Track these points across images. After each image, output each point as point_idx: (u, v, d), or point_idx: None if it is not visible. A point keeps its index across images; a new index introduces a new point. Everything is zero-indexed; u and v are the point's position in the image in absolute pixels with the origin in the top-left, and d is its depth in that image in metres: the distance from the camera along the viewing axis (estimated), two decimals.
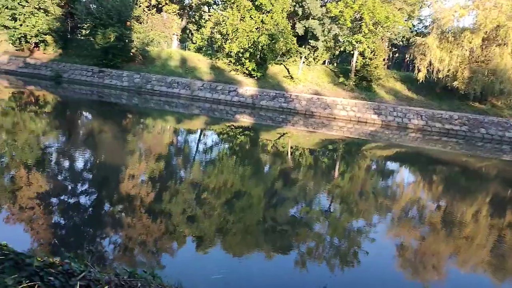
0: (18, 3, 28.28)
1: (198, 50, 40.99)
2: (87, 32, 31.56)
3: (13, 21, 28.53)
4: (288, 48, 29.16)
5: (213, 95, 26.76)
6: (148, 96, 26.18)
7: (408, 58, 31.46)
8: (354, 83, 28.83)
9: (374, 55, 28.36)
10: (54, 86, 25.97)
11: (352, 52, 30.16)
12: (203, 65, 30.44)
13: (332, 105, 25.96)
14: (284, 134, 19.58)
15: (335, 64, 38.99)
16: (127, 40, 28.35)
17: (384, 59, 29.53)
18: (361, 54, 28.82)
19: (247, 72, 28.55)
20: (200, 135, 17.09)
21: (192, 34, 45.17)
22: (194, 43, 45.57)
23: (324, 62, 36.93)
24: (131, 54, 29.22)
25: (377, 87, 29.16)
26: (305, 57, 29.84)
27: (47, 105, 19.57)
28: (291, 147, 16.23)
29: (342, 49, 32.45)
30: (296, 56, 30.46)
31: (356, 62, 29.15)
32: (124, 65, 28.90)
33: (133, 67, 28.99)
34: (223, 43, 29.34)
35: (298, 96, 26.68)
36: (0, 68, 28.94)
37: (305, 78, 29.40)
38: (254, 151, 14.66)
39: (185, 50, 40.48)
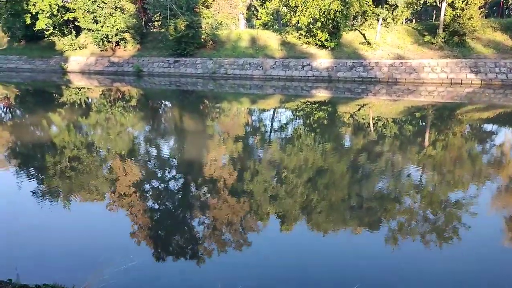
0: (98, 6, 31.32)
1: (264, 26, 40.88)
2: (159, 24, 33.74)
3: (95, 24, 31.75)
4: (363, 11, 27.44)
5: (286, 72, 26.66)
6: (222, 81, 27.20)
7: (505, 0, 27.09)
8: (443, 40, 26.02)
9: (466, 4, 25.10)
10: (136, 81, 28.50)
11: (438, 5, 27.15)
12: (273, 42, 30.36)
13: (418, 68, 23.93)
14: (364, 105, 18.73)
15: (417, 22, 35.54)
16: (197, 27, 29.56)
17: (479, 8, 25.94)
18: (450, 5, 25.73)
19: (319, 43, 27.70)
20: (276, 114, 17.28)
21: (257, 10, 45.13)
22: (259, 19, 45.54)
23: (404, 21, 33.93)
24: (202, 40, 30.44)
25: (472, 41, 25.90)
26: (382, 19, 27.78)
27: (132, 99, 21.61)
28: (373, 118, 15.48)
29: (425, 2, 29.40)
30: (373, 18, 28.51)
31: (444, 15, 26.17)
32: (197, 52, 30.31)
33: (205, 53, 30.24)
34: (292, 16, 28.79)
35: (378, 63, 25.14)
36: (90, 70, 32.69)
37: (384, 42, 27.46)
38: (333, 125, 14.35)
39: (253, 28, 40.75)
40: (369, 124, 14.52)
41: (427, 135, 12.92)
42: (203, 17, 30.79)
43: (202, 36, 30.40)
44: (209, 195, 7.69)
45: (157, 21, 36.71)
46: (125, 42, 33.13)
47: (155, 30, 37.89)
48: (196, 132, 13.71)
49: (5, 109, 18.65)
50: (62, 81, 29.20)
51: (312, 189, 7.89)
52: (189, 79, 28.19)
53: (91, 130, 14.12)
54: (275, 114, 17.33)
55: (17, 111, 18.51)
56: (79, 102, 20.23)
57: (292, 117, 16.66)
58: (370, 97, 20.88)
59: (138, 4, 33.71)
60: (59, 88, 26.55)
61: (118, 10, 32.02)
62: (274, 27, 37.08)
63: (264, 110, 18.58)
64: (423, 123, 15.06)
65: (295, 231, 6.20)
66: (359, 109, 17.63)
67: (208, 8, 32.83)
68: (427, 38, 26.79)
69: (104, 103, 19.90)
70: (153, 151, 11.21)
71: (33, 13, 32.49)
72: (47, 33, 34.09)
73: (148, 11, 34.19)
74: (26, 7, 32.64)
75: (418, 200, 7.39)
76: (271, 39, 30.82)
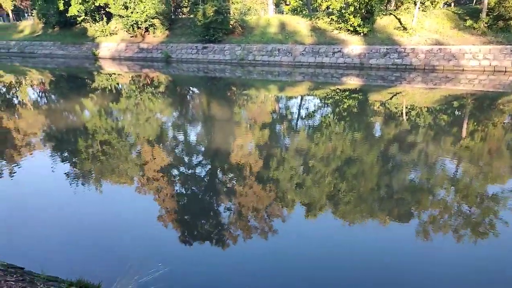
0: None
1: (293, 11, 40.19)
2: (188, 10, 33.91)
3: (125, 10, 32.35)
4: None
5: (316, 58, 26.22)
6: (250, 68, 27.13)
7: None
8: (486, 25, 24.62)
9: None
10: (165, 67, 28.96)
11: None
12: (302, 28, 29.85)
13: (458, 55, 22.85)
14: (398, 93, 18.16)
15: (456, 6, 33.79)
16: (225, 13, 29.49)
17: None
18: None
19: (351, 29, 26.95)
20: (304, 101, 17.10)
21: None
22: (288, 5, 44.79)
23: (443, 5, 32.33)
24: (231, 26, 30.37)
25: None
26: (420, 2, 26.58)
27: (161, 85, 22.00)
28: (407, 107, 15.00)
29: None
30: (409, 2, 27.35)
31: None
32: (225, 38, 30.31)
33: (233, 40, 30.20)
34: (322, 1, 28.10)
35: (414, 49, 24.20)
36: (120, 56, 33.49)
37: (421, 27, 26.32)
38: (364, 114, 14.04)
39: (282, 14, 40.17)
40: (402, 113, 14.09)
41: (464, 125, 12.39)
42: (232, 2, 30.66)
43: (231, 22, 30.30)
44: (239, 182, 7.77)
45: (186, 6, 36.96)
46: (154, 28, 33.60)
47: (183, 16, 38.15)
48: (223, 119, 13.82)
49: (41, 94, 19.51)
50: (93, 67, 30.13)
51: (340, 179, 7.80)
52: (217, 66, 28.33)
53: (121, 115, 14.55)
54: (304, 102, 17.14)
55: (52, 96, 19.31)
56: (110, 87, 20.84)
57: (321, 105, 16.43)
58: (404, 85, 20.21)
59: None
60: (91, 74, 27.43)
61: None
62: (304, 12, 36.34)
63: (292, 98, 18.42)
64: (461, 113, 14.43)
65: (321, 220, 6.17)
66: (391, 98, 17.12)
67: None
68: (469, 22, 25.40)
69: (134, 89, 20.38)
70: (181, 137, 11.42)
71: None
72: (79, 19, 35.16)
73: None
74: None
75: (452, 193, 7.15)
76: (300, 25, 30.30)
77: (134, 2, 32.08)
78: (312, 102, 17.12)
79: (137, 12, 32.05)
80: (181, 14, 39.35)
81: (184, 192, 7.44)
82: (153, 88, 20.49)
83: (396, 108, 15.05)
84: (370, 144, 10.25)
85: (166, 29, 33.90)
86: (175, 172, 8.43)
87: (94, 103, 16.64)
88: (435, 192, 7.17)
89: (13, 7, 52.22)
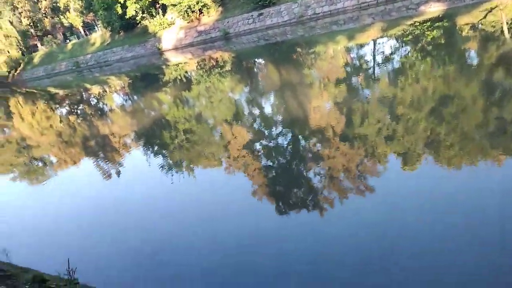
0: None
1: None
2: None
3: None
4: None
5: None
6: (312, 23, 26.02)
7: None
8: None
9: None
10: (225, 44, 29.31)
11: None
12: None
13: None
14: (493, 8, 15.78)
15: None
16: None
17: None
18: None
19: None
20: (379, 46, 15.87)
21: None
22: None
23: None
24: None
25: None
26: None
27: (226, 64, 22.37)
28: (508, 23, 12.97)
29: None
30: None
31: None
32: None
33: None
34: None
35: None
36: (182, 44, 34.76)
37: None
38: (453, 44, 12.56)
39: None
40: (502, 31, 12.25)
41: None
42: None
43: None
44: (324, 145, 7.64)
45: None
46: (207, 8, 34.00)
47: None
48: (294, 84, 13.58)
49: (124, 97, 21.42)
50: (160, 61, 31.84)
51: (437, 122, 7.15)
52: (276, 30, 27.73)
53: (196, 101, 15.22)
54: (378, 46, 15.92)
55: (134, 96, 21.04)
56: (179, 77, 21.87)
57: (399, 45, 15.09)
58: None
59: None
60: (160, 68, 29.06)
61: None
62: None
63: (364, 44, 17.25)
64: None
65: (421, 172, 5.76)
66: (486, 16, 14.96)
67: None
68: None
69: (201, 73, 21.08)
70: (256, 111, 11.55)
71: (122, 2, 35.64)
72: (138, 18, 37.19)
73: None
74: None
75: None
76: None
77: None
78: (388, 44, 15.81)
79: None
80: None
81: (274, 165, 7.56)
82: (219, 69, 20.95)
83: (493, 27, 13.14)
84: (464, 76, 9.16)
85: (219, 6, 34.04)
86: (260, 146, 8.60)
87: (170, 95, 17.67)
88: None
89: (82, 24, 57.34)
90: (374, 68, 12.62)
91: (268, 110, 11.43)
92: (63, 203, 8.27)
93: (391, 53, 13.94)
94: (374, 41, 16.97)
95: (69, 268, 4.39)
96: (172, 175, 8.22)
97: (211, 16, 34.32)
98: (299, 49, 20.57)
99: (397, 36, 16.21)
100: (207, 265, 4.80)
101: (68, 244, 6.28)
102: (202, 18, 34.87)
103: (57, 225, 7.23)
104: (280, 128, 9.47)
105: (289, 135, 8.88)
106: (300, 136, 8.57)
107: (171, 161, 9.18)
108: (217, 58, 25.37)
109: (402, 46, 14.63)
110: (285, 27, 27.62)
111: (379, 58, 13.70)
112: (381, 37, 17.24)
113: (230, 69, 20.70)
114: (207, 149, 9.22)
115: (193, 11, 34.01)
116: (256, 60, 21.95)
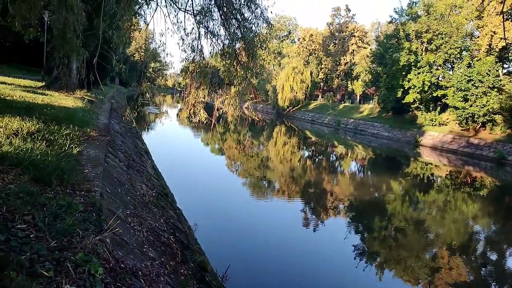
0: (472, 85, 30.97)
1: None
2: None
3: (464, 102, 31.42)
4: None
5: None
6: None
7: None
8: None
9: None
10: (494, 168, 25.40)
11: None
12: None
13: None
14: None
15: None
16: None
17: None
18: None
19: None
20: None
21: None
22: None
23: None
24: None
25: None
26: None
27: (484, 189, 19.24)
28: None
29: None
30: None
31: None
32: None
33: None
34: None
35: None
36: (443, 147, 32.52)
37: None
38: None
39: None
40: None
41: None
42: None
43: None
44: None
45: None
46: (493, 124, 30.59)
47: None
48: None
49: (359, 167, 22.00)
50: (412, 153, 30.84)
51: None
52: None
53: (425, 207, 13.80)
54: None
55: (368, 171, 21.25)
56: (422, 176, 20.48)
57: None
58: None
59: None
60: (407, 158, 28.18)
61: (495, 90, 30.19)
62: None
63: None
64: None
65: None
66: None
67: None
68: None
69: (448, 184, 19.01)
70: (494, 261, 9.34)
71: (405, 88, 36.87)
72: (412, 106, 37.54)
73: None
74: (401, 82, 37.69)
75: None
76: None
77: (477, 95, 30.68)
78: None
79: (477, 106, 30.40)
80: None
81: None
82: (472, 189, 18.30)
83: None
84: None
85: (508, 128, 29.97)
86: None
87: (401, 186, 16.80)
88: None
89: (361, 93, 63.15)
90: None
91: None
92: None
93: None
94: None
95: None
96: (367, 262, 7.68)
97: (493, 134, 30.63)
98: None
99: None
100: None
101: None
102: (481, 132, 31.63)
103: None
104: None
105: None
106: None
107: (365, 245, 8.61)
108: (476, 177, 22.30)
109: None
110: None
111: None
112: None
113: (485, 195, 17.71)
114: (408, 261, 8.12)
115: (474, 121, 31.35)
116: None
